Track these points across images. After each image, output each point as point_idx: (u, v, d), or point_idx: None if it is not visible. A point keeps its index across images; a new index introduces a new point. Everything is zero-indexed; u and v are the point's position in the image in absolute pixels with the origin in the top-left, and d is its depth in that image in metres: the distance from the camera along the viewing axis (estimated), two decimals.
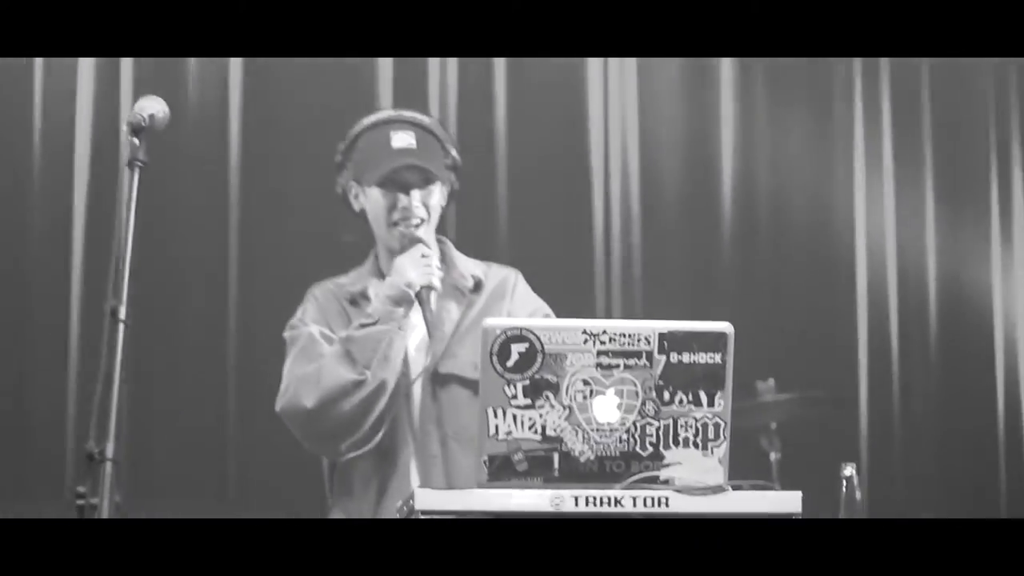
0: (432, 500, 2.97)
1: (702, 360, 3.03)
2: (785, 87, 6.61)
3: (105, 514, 2.46)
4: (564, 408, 3.02)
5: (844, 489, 3.23)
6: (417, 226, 3.83)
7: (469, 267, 3.95)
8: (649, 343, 3.03)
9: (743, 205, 6.53)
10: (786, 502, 3.01)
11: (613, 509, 2.97)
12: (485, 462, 3.01)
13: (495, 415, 3.01)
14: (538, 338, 3.01)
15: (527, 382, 3.01)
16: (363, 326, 3.74)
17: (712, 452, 3.04)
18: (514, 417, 3.01)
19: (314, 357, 3.76)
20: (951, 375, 6.64)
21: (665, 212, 6.47)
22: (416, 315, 3.79)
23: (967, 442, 6.53)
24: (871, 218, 6.65)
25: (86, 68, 5.85)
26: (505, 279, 3.94)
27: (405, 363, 3.78)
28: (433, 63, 6.18)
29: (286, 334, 3.87)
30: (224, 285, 5.92)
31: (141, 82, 5.76)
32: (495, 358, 3.00)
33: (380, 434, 3.72)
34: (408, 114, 3.92)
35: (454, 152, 3.94)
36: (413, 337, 3.82)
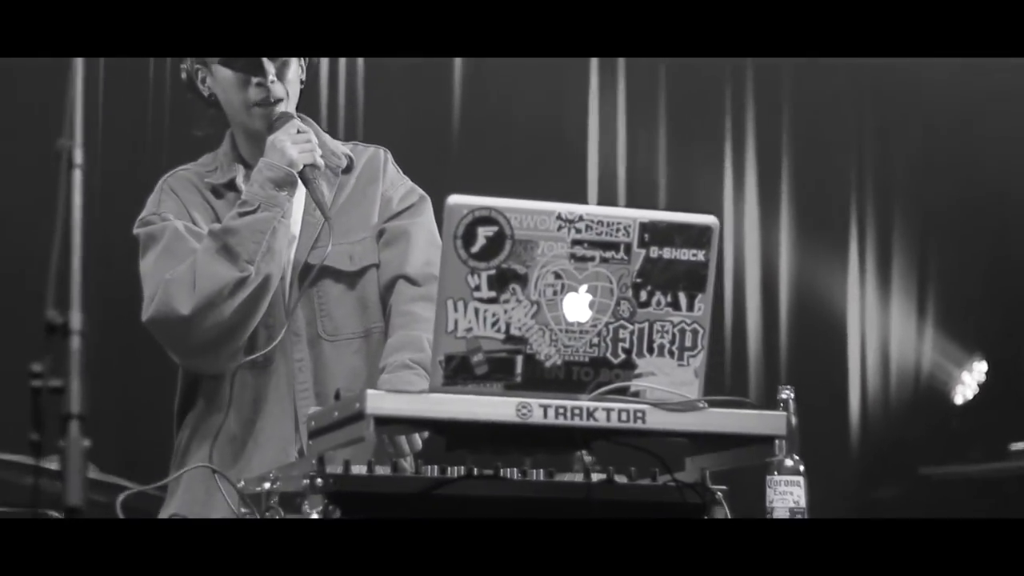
0: (385, 403, 2.50)
1: (684, 257, 2.66)
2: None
3: (74, 399, 1.90)
4: (531, 304, 2.59)
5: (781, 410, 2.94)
6: (275, 104, 3.33)
7: (338, 146, 3.46)
8: (628, 234, 2.63)
9: None
10: (770, 423, 2.67)
11: (585, 423, 2.58)
12: (441, 362, 2.55)
13: (455, 308, 2.56)
14: (508, 221, 2.57)
15: (493, 271, 2.57)
16: (242, 215, 3.20)
17: (688, 363, 2.67)
18: (476, 312, 2.57)
19: (184, 255, 3.19)
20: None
21: None
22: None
23: None
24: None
25: None
26: (374, 157, 3.46)
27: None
28: None
29: (139, 231, 3.28)
30: None
31: None
32: (459, 242, 2.55)
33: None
34: None
35: None
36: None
